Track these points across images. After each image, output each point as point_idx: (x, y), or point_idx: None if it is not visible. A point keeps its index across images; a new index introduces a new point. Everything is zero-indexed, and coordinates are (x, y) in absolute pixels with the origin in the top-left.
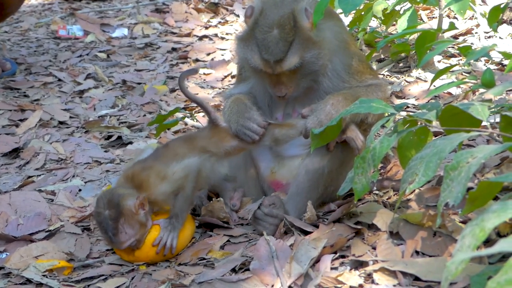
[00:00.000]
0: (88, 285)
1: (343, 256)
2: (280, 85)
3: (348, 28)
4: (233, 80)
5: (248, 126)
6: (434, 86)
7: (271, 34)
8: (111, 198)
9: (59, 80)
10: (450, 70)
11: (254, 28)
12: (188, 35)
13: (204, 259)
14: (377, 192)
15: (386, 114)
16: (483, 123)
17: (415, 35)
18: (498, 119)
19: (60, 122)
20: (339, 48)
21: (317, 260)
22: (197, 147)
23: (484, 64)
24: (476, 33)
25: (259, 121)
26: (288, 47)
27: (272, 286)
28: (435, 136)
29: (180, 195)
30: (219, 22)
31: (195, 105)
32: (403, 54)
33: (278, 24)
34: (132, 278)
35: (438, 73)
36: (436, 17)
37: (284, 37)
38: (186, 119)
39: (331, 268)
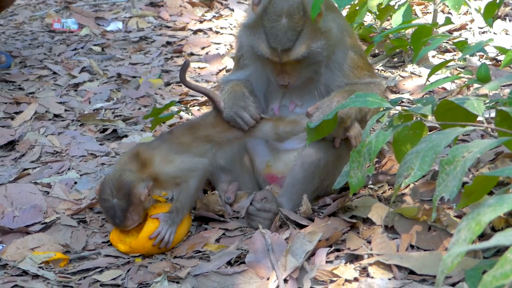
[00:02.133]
0: (84, 277)
1: (338, 250)
2: (283, 74)
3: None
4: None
5: (241, 115)
6: (429, 81)
7: (279, 23)
8: (121, 186)
9: (54, 73)
10: (446, 65)
11: (262, 16)
12: (183, 29)
13: (199, 252)
14: (372, 186)
15: (382, 109)
16: (478, 118)
17: (410, 30)
18: (493, 114)
19: (55, 115)
20: (342, 40)
21: (313, 254)
22: (200, 136)
23: (479, 59)
24: (470, 28)
25: (252, 113)
26: (296, 36)
27: (268, 279)
28: (430, 131)
29: (184, 190)
30: (214, 16)
31: (190, 99)
32: (397, 49)
33: (287, 13)
34: (128, 270)
35: (434, 68)
36: (431, 12)
37: (293, 26)
38: (182, 113)
39: (326, 262)
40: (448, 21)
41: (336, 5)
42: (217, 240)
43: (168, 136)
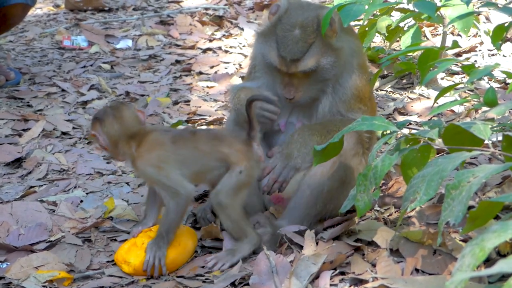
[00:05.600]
0: None
1: (342, 273)
2: (290, 86)
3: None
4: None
5: (264, 107)
6: (438, 103)
7: (292, 33)
8: (97, 113)
9: (63, 90)
10: (454, 88)
11: (276, 25)
12: (192, 47)
13: (203, 276)
14: (378, 208)
15: (389, 132)
16: (485, 142)
17: (419, 52)
18: (500, 138)
19: (63, 133)
20: (351, 64)
21: (317, 276)
22: (218, 152)
23: (487, 82)
24: (479, 50)
25: (272, 99)
26: (307, 48)
27: None
28: (437, 154)
29: (165, 214)
30: (223, 35)
31: (198, 118)
32: (406, 71)
33: (301, 25)
34: None
35: (442, 91)
36: (440, 34)
37: (305, 38)
38: None
39: (331, 285)
40: (455, 45)
41: (354, 30)
42: None
43: (189, 135)
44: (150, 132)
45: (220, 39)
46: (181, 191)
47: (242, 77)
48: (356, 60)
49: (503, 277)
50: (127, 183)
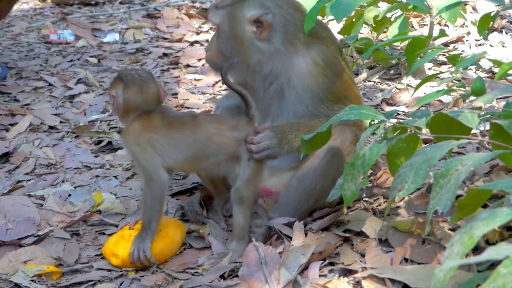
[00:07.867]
0: None
1: (332, 264)
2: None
3: (335, 55)
4: (224, 86)
5: None
6: (425, 93)
7: None
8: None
9: (50, 84)
10: (441, 77)
11: None
12: (179, 40)
13: (192, 268)
14: (367, 199)
15: (377, 121)
16: (473, 131)
17: (406, 42)
18: (488, 127)
19: (50, 127)
20: (300, 68)
21: (306, 267)
22: (221, 136)
23: (475, 72)
24: (467, 40)
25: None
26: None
27: None
28: (425, 144)
29: (142, 204)
30: (211, 28)
31: (186, 111)
32: (394, 61)
33: None
34: (121, 284)
35: (424, 80)
36: (427, 25)
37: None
38: None
39: (320, 275)
40: (442, 33)
41: (320, 34)
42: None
43: (190, 119)
44: (153, 113)
45: (207, 32)
46: (154, 177)
47: None
48: (310, 66)
49: (492, 265)
50: (115, 177)
